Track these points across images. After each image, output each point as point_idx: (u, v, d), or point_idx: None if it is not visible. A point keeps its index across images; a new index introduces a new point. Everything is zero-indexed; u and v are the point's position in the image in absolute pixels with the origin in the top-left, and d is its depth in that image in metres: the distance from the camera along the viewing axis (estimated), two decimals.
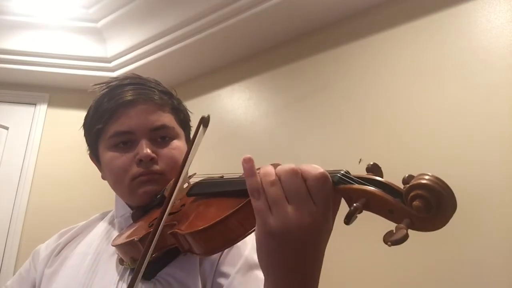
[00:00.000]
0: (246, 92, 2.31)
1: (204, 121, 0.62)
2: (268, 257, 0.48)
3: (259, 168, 0.50)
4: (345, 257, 1.62)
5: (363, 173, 0.48)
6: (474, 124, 1.46)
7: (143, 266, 0.52)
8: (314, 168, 0.45)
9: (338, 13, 1.96)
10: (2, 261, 2.42)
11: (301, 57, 2.11)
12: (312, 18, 2.02)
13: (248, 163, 0.49)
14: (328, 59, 2.00)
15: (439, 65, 1.61)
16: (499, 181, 1.35)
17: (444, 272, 1.38)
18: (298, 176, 0.45)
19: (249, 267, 0.71)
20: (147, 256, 0.53)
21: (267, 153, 2.06)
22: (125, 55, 2.50)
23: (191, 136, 0.90)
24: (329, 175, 0.45)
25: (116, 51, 2.53)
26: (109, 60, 2.59)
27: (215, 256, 0.72)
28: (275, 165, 0.50)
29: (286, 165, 0.47)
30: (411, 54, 1.71)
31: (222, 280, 0.70)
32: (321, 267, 0.50)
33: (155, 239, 0.54)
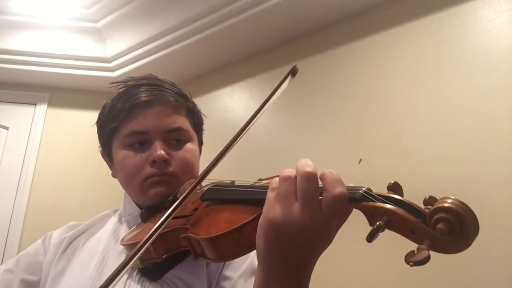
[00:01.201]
0: (246, 92, 2.31)
1: (294, 71, 0.61)
2: (264, 244, 0.49)
3: (259, 179, 0.51)
4: (343, 260, 1.62)
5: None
6: (474, 124, 1.46)
7: (138, 253, 0.52)
8: (337, 184, 0.45)
9: (338, 13, 1.97)
10: (2, 261, 2.42)
11: (301, 57, 2.11)
12: (312, 18, 2.03)
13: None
14: (328, 59, 2.00)
15: (439, 65, 1.61)
16: (499, 181, 1.35)
17: (443, 271, 1.38)
18: (312, 182, 0.46)
19: (252, 272, 0.71)
20: (146, 245, 0.53)
21: (267, 153, 2.06)
22: (125, 55, 2.51)
23: (203, 139, 0.91)
24: (348, 195, 0.45)
25: (116, 51, 2.54)
26: (109, 60, 2.59)
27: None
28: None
29: (305, 166, 0.47)
30: (411, 54, 1.71)
31: (225, 284, 0.70)
32: (310, 273, 0.51)
33: (157, 232, 0.54)
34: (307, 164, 0.47)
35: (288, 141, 2.02)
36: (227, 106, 2.38)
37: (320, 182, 0.47)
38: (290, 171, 0.49)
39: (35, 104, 2.77)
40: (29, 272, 0.80)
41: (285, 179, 0.48)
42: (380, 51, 1.82)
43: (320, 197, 0.46)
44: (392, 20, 1.81)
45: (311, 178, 0.46)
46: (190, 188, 0.58)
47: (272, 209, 0.48)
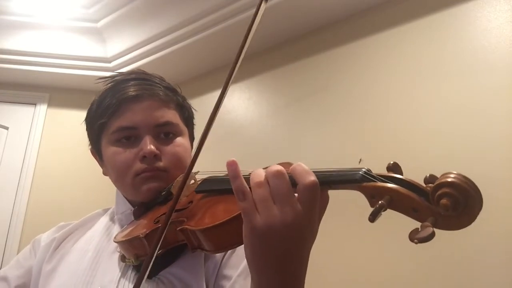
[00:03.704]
0: (246, 92, 2.31)
1: None
2: (253, 254, 0.49)
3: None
4: (339, 256, 1.62)
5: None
6: (474, 123, 1.46)
7: (151, 262, 0.52)
8: (306, 174, 0.47)
9: (338, 13, 1.96)
10: (2, 261, 2.42)
11: (301, 57, 2.11)
12: (312, 18, 2.02)
13: (232, 166, 0.51)
14: (328, 59, 2.00)
15: (439, 65, 1.61)
16: (500, 180, 1.35)
17: (444, 270, 1.38)
18: (283, 177, 0.47)
19: None
20: (155, 253, 0.53)
21: (267, 153, 2.06)
22: (125, 55, 2.51)
23: (194, 133, 0.89)
24: (318, 183, 0.46)
25: (116, 51, 2.54)
26: (109, 60, 2.59)
27: (218, 257, 0.72)
28: (284, 164, 0.51)
29: (274, 167, 0.49)
30: (411, 54, 1.71)
31: (224, 282, 0.69)
32: (305, 269, 0.51)
33: (163, 234, 0.54)
34: (274, 166, 0.49)
35: (288, 141, 2.02)
36: (227, 106, 2.38)
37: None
38: (259, 175, 0.49)
39: (35, 104, 2.77)
40: (23, 279, 0.80)
41: (258, 185, 0.48)
42: (380, 51, 1.82)
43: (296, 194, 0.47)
44: (392, 20, 1.81)
45: (280, 175, 0.47)
46: (188, 167, 0.57)
47: (252, 219, 0.47)
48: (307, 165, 0.48)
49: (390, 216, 0.45)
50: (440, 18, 1.66)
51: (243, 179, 0.50)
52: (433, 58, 1.63)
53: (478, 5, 1.58)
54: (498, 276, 1.30)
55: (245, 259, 0.70)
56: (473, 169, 1.41)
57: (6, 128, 2.70)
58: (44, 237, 0.86)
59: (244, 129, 2.23)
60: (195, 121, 0.90)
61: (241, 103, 2.31)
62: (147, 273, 0.51)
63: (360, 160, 1.67)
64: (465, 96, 1.51)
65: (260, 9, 0.59)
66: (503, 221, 1.31)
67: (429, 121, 1.57)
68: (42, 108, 2.76)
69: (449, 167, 1.44)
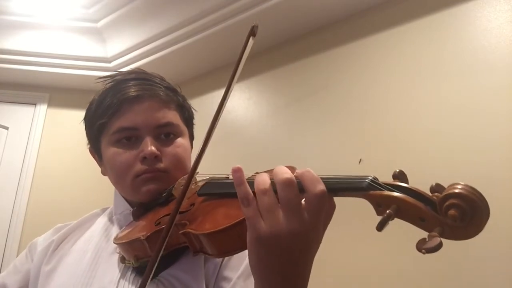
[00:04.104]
0: (246, 92, 2.31)
1: (253, 32, 0.59)
2: (257, 261, 0.49)
3: (256, 173, 0.51)
4: (345, 262, 1.62)
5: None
6: (474, 123, 1.46)
7: (155, 266, 0.52)
8: (316, 182, 0.46)
9: (338, 13, 1.96)
10: (2, 261, 2.42)
11: (301, 57, 2.11)
12: (312, 18, 2.02)
13: (237, 173, 0.50)
14: (328, 59, 2.00)
15: (439, 65, 1.61)
16: (500, 180, 1.35)
17: (445, 268, 1.38)
18: (292, 186, 0.46)
19: (251, 272, 0.71)
20: (159, 256, 0.52)
21: (267, 153, 2.06)
22: (125, 55, 2.51)
23: (194, 132, 0.89)
24: (327, 192, 0.46)
25: (116, 51, 2.54)
26: (109, 60, 2.59)
27: (218, 258, 0.72)
28: (291, 168, 0.50)
29: (282, 174, 0.47)
30: (411, 54, 1.71)
31: (224, 284, 0.69)
32: (309, 275, 0.50)
33: (167, 238, 0.53)
34: (284, 171, 0.47)
35: (288, 141, 2.02)
36: (227, 106, 2.35)
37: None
38: (264, 182, 0.48)
39: (35, 104, 2.77)
40: (22, 284, 0.80)
41: (263, 192, 0.47)
42: (380, 51, 1.82)
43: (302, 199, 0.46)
44: (392, 20, 1.81)
45: (291, 184, 0.46)
46: (189, 174, 0.56)
47: (257, 226, 0.47)
48: (308, 165, 0.48)
49: (396, 223, 0.45)
50: (440, 18, 1.66)
51: (248, 186, 0.49)
52: (433, 58, 1.63)
53: (478, 5, 1.58)
54: (498, 276, 1.30)
55: (245, 261, 0.70)
56: (473, 169, 1.42)
57: (6, 128, 2.70)
58: (41, 241, 0.86)
59: (244, 129, 2.23)
60: (195, 121, 0.90)
61: (241, 103, 2.31)
62: (150, 277, 0.51)
63: (360, 160, 1.67)
64: (465, 96, 1.51)
65: (248, 45, 0.59)
66: (503, 221, 1.31)
67: (429, 121, 1.57)
68: (42, 108, 2.76)
69: (449, 167, 1.44)
